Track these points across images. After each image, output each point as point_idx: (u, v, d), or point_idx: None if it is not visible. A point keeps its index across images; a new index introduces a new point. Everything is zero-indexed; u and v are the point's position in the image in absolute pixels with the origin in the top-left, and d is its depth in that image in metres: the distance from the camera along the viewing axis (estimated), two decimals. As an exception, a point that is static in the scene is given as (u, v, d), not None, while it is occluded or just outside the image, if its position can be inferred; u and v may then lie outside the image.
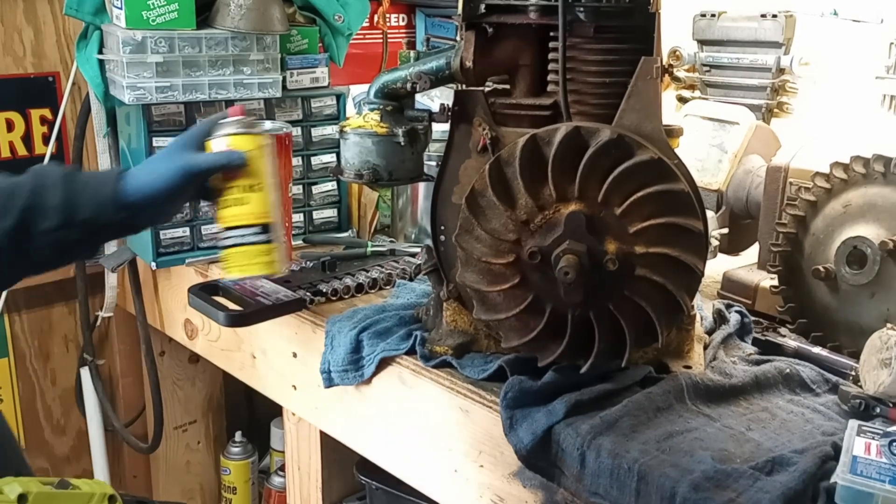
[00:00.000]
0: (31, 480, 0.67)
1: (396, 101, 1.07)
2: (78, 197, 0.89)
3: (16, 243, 0.86)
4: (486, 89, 1.02)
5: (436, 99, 1.60)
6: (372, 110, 1.07)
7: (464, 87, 1.04)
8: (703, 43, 1.72)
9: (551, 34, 1.00)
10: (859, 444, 0.82)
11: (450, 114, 1.03)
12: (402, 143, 1.05)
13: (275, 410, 1.76)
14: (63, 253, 0.92)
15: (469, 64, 1.01)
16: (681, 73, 1.75)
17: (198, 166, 0.94)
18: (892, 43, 1.47)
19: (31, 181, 0.89)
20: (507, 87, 1.04)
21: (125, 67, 1.37)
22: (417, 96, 1.12)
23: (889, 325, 0.95)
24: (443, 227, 1.06)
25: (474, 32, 1.02)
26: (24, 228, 0.86)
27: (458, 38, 1.05)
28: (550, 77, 1.03)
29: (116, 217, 0.91)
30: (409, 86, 1.05)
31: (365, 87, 1.13)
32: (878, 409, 0.92)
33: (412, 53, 1.07)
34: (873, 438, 0.82)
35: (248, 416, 2.10)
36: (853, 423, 0.86)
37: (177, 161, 0.94)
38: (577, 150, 0.92)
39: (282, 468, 1.78)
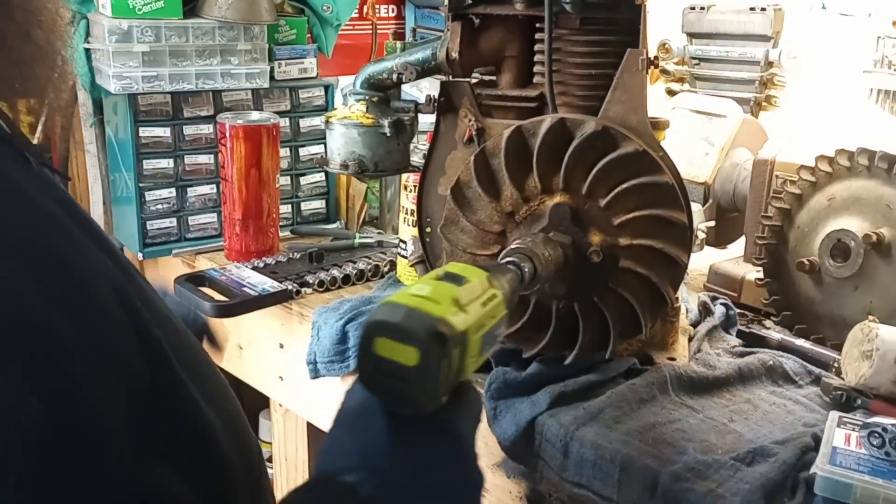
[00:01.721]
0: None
1: (382, 92, 1.07)
2: None
3: None
4: (473, 80, 1.02)
5: (425, 90, 1.60)
6: (358, 101, 1.07)
7: (450, 78, 1.04)
8: (692, 36, 1.72)
9: (537, 25, 1.00)
10: (839, 435, 0.83)
11: (436, 105, 1.03)
12: (388, 134, 1.05)
13: (263, 402, 1.76)
14: None
15: (455, 55, 1.01)
16: (670, 66, 1.75)
17: None
18: (879, 37, 1.47)
19: None
20: (494, 78, 1.04)
21: (111, 56, 1.36)
22: (405, 87, 1.12)
23: (871, 317, 0.96)
24: (429, 219, 1.06)
25: (461, 23, 1.02)
26: None
27: (445, 29, 1.04)
28: (536, 69, 1.03)
29: None
30: (395, 76, 1.04)
31: (353, 78, 1.13)
32: (859, 401, 0.92)
33: (398, 44, 1.07)
34: (853, 430, 0.83)
35: (236, 407, 2.10)
36: (834, 415, 0.87)
37: None
38: (563, 141, 0.92)
39: (270, 459, 1.78)
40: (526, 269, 0.77)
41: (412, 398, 0.52)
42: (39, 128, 1.72)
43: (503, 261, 0.79)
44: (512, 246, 0.84)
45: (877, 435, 0.79)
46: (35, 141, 1.70)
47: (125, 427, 0.47)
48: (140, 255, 1.50)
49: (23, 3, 0.54)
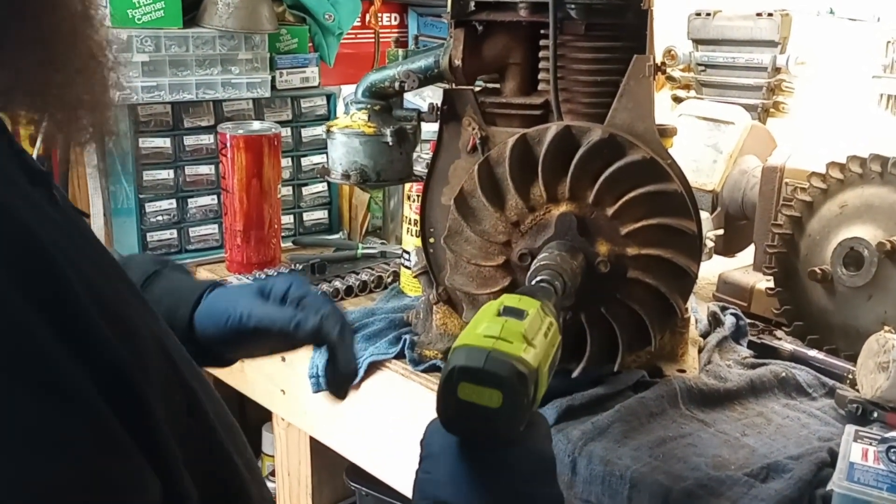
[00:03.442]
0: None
1: (384, 101, 1.05)
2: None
3: None
4: (476, 88, 1.00)
5: (428, 98, 1.58)
6: (360, 110, 1.05)
7: (453, 85, 1.03)
8: (698, 42, 1.70)
9: (542, 32, 0.98)
10: (856, 450, 0.80)
11: (438, 113, 1.02)
12: (391, 143, 1.03)
13: (266, 415, 1.74)
14: None
15: (458, 62, 0.99)
16: (676, 73, 1.73)
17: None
18: (888, 42, 1.45)
19: None
20: (497, 85, 1.02)
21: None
22: (408, 95, 1.10)
23: (886, 327, 0.93)
24: (432, 230, 1.04)
25: (463, 30, 1.00)
26: None
27: (448, 37, 1.03)
28: (541, 76, 1.01)
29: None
30: (397, 85, 1.03)
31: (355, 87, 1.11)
32: (875, 414, 0.90)
33: (401, 52, 1.05)
34: (871, 444, 0.81)
35: (239, 420, 2.07)
36: (850, 429, 0.84)
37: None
38: (568, 149, 0.90)
39: (272, 473, 1.76)
40: (558, 286, 0.78)
41: (497, 436, 0.55)
42: (39, 140, 1.71)
43: (536, 280, 0.79)
44: (541, 262, 0.83)
45: (895, 450, 0.77)
46: (35, 154, 1.69)
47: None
48: (140, 268, 1.48)
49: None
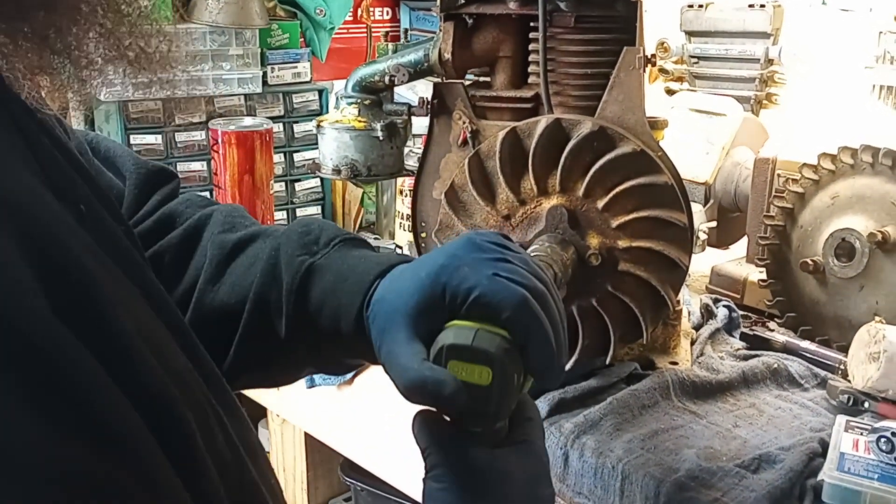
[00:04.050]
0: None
1: (375, 95, 1.05)
2: None
3: None
4: (466, 82, 1.00)
5: (420, 92, 1.58)
6: (350, 104, 1.05)
7: (443, 79, 1.02)
8: (690, 34, 1.70)
9: (532, 24, 0.98)
10: (847, 440, 0.80)
11: (429, 107, 1.01)
12: (381, 138, 1.03)
13: (261, 411, 1.74)
14: None
15: (448, 56, 0.99)
16: (669, 65, 1.73)
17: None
18: (880, 32, 1.45)
19: None
20: (488, 79, 1.02)
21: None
22: (400, 89, 1.10)
23: (878, 318, 0.93)
24: (423, 224, 1.04)
25: (453, 23, 0.99)
26: None
27: (438, 30, 1.02)
28: (531, 69, 1.01)
29: None
30: (387, 79, 1.02)
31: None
32: (866, 404, 0.90)
33: (391, 46, 1.05)
34: (861, 434, 0.81)
35: (235, 416, 2.08)
36: (841, 419, 0.85)
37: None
38: (559, 142, 0.90)
39: (269, 469, 1.76)
40: (549, 277, 0.77)
41: (487, 414, 0.54)
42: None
43: None
44: (532, 253, 0.82)
45: (886, 440, 0.77)
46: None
47: None
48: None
49: None
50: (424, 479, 0.56)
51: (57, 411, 0.33)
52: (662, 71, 1.74)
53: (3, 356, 0.32)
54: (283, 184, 1.58)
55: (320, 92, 1.60)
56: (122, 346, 0.37)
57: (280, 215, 1.57)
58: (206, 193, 1.51)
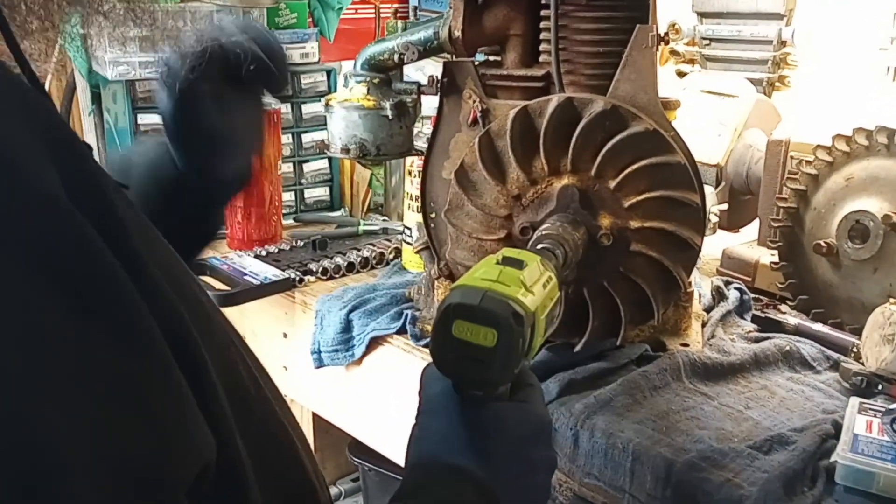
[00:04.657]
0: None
1: (384, 74, 1.04)
2: None
3: None
4: (477, 60, 0.99)
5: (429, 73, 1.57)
6: (359, 83, 1.03)
7: (453, 57, 1.01)
8: (702, 15, 1.68)
9: (543, 2, 0.97)
10: (860, 422, 0.80)
11: (439, 86, 1.00)
12: (390, 117, 1.02)
13: (269, 392, 1.75)
14: None
15: (458, 33, 0.98)
16: (680, 48, 1.71)
17: None
18: (895, 13, 1.43)
19: None
20: (498, 57, 1.01)
21: (107, 42, 1.33)
22: (409, 69, 1.09)
23: (892, 299, 0.92)
24: (433, 204, 1.03)
25: (463, 0, 0.98)
26: None
27: (449, 7, 1.01)
28: (543, 47, 0.99)
29: None
30: (396, 57, 1.01)
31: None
32: (879, 387, 0.89)
33: (400, 24, 1.03)
34: (875, 416, 0.80)
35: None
36: (854, 401, 0.84)
37: None
38: (570, 121, 0.89)
39: (276, 450, 1.77)
40: (559, 255, 0.77)
41: (489, 378, 0.54)
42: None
43: (537, 247, 0.78)
44: (542, 232, 0.82)
45: (900, 422, 0.76)
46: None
47: None
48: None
49: None
50: (412, 427, 0.58)
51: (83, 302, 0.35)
52: (674, 53, 1.72)
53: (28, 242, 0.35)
54: (290, 165, 1.57)
55: (328, 72, 1.58)
56: (139, 266, 0.39)
57: (288, 196, 1.56)
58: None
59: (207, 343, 0.43)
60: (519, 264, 0.60)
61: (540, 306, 0.59)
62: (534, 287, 0.59)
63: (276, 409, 0.52)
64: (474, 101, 0.98)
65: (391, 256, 1.33)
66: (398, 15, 1.81)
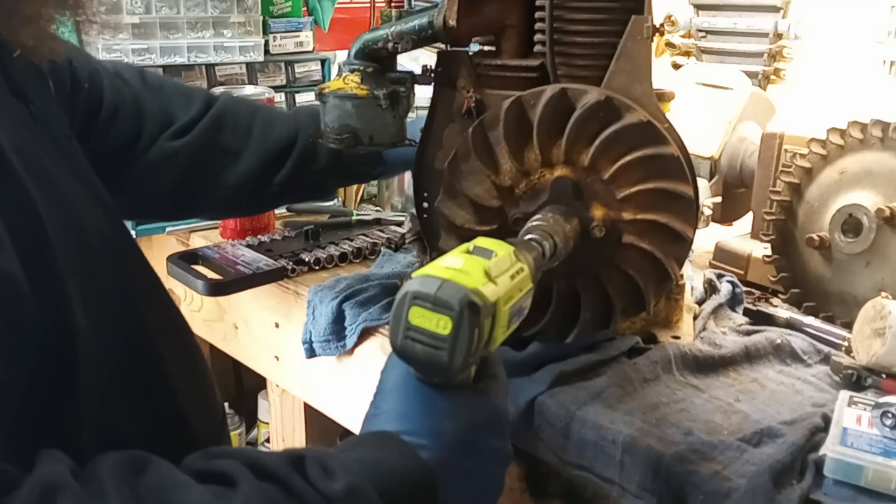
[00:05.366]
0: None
1: (377, 63, 1.03)
2: None
3: None
4: (471, 51, 0.98)
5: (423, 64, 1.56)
6: (352, 72, 1.03)
7: (448, 47, 1.01)
8: (698, 7, 1.67)
9: (538, -8, 0.96)
10: (850, 415, 0.80)
11: (432, 76, 1.00)
12: (384, 107, 1.01)
13: (262, 382, 1.74)
14: None
15: (453, 23, 0.97)
16: (676, 40, 1.70)
17: None
18: (893, 6, 1.43)
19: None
20: (493, 48, 1.00)
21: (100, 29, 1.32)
22: (403, 59, 1.08)
23: (883, 294, 0.92)
24: (426, 195, 1.03)
25: (458, -10, 0.98)
26: None
27: (443, -1, 1.00)
28: (537, 37, 0.99)
29: None
30: (390, 46, 1.01)
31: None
32: (870, 380, 0.90)
33: (394, 12, 1.03)
34: (864, 409, 0.80)
35: (235, 387, 2.08)
36: (844, 394, 0.84)
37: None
38: (564, 112, 0.88)
39: (268, 440, 1.77)
40: (547, 246, 0.77)
41: (444, 366, 0.55)
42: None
43: (525, 238, 0.78)
44: (533, 223, 0.82)
45: (889, 415, 0.76)
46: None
47: None
48: (133, 233, 1.47)
49: None
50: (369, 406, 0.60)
51: None
52: (669, 45, 1.72)
53: None
54: (284, 154, 1.56)
55: (322, 62, 1.58)
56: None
57: (281, 186, 1.55)
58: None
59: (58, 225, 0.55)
60: (487, 254, 0.61)
61: (503, 297, 0.59)
62: (499, 278, 0.60)
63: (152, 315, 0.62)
64: (468, 92, 0.97)
65: (384, 247, 1.33)
66: (393, 4, 1.80)
